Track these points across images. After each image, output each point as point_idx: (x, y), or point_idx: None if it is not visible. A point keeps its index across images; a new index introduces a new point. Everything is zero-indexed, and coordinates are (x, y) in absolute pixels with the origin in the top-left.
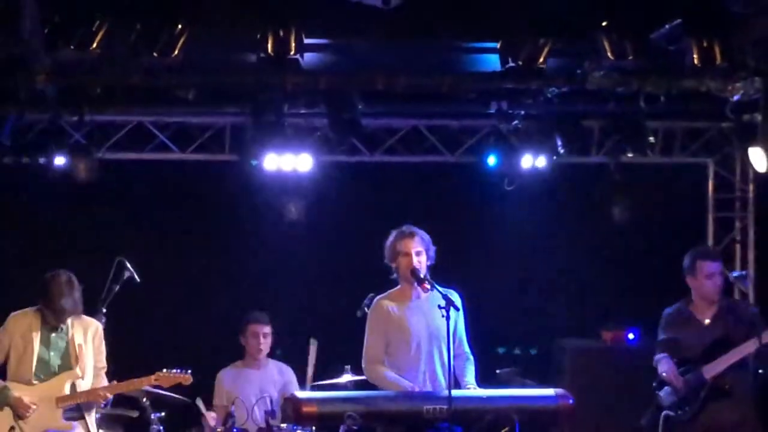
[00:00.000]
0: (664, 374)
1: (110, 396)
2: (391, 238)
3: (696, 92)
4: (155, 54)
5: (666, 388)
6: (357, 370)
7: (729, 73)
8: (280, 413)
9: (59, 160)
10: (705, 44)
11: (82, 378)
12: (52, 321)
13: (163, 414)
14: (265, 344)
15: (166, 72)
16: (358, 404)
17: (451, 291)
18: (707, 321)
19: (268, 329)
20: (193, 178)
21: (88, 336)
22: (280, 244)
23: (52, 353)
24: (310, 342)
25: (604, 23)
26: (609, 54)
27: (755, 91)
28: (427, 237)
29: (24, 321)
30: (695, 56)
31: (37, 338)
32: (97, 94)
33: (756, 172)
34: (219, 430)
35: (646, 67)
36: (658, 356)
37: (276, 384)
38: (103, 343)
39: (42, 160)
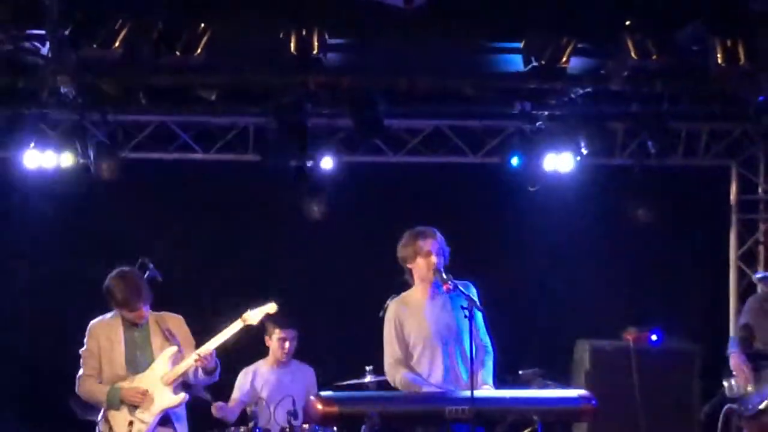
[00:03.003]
0: (734, 369)
1: (212, 355)
2: (406, 238)
3: (720, 93)
4: (178, 53)
5: (733, 379)
6: (379, 370)
7: (753, 74)
8: (302, 413)
9: (82, 160)
10: (729, 44)
11: (180, 352)
12: (131, 319)
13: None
14: (290, 348)
15: (189, 72)
16: (380, 404)
17: (467, 283)
18: None
19: (293, 333)
20: (216, 179)
21: (173, 327)
22: (303, 245)
23: (138, 353)
24: None
25: (627, 23)
26: (633, 54)
27: None
28: (441, 236)
29: (106, 325)
30: (719, 56)
31: (121, 339)
32: (120, 93)
33: None
34: (242, 429)
35: (669, 68)
36: (731, 348)
37: (298, 384)
38: (190, 336)
39: (65, 161)
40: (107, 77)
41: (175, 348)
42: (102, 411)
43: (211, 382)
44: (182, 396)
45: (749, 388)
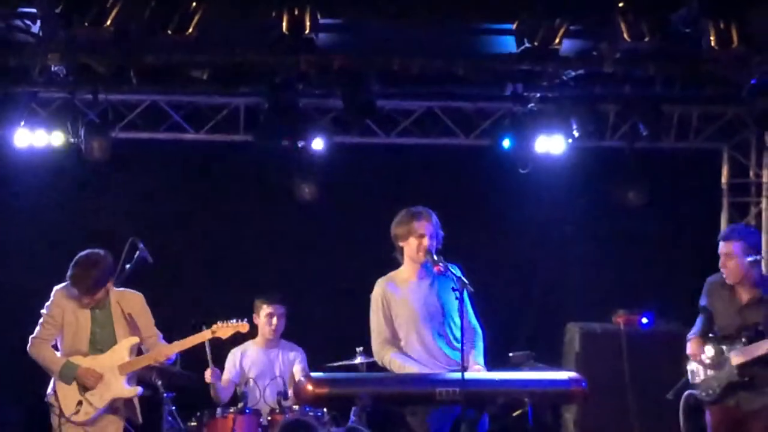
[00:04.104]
0: (692, 356)
1: (172, 354)
2: (402, 217)
3: (712, 76)
4: (169, 32)
5: (694, 364)
6: (369, 352)
7: (746, 57)
8: (292, 394)
9: (73, 139)
10: (722, 27)
11: (140, 343)
12: (88, 301)
13: (174, 394)
14: (278, 325)
15: (181, 51)
16: (370, 386)
17: (454, 265)
18: (744, 300)
19: (281, 310)
20: (207, 158)
21: (133, 307)
22: (294, 225)
23: (99, 332)
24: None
25: (620, 4)
26: (625, 36)
27: None
28: (437, 219)
29: (73, 297)
30: (712, 39)
31: (88, 317)
32: (111, 72)
33: None
34: (232, 410)
35: (662, 50)
36: (689, 335)
37: (288, 365)
38: (148, 312)
39: (56, 139)
40: (98, 56)
41: (137, 339)
42: (52, 381)
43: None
44: (136, 389)
45: (710, 373)
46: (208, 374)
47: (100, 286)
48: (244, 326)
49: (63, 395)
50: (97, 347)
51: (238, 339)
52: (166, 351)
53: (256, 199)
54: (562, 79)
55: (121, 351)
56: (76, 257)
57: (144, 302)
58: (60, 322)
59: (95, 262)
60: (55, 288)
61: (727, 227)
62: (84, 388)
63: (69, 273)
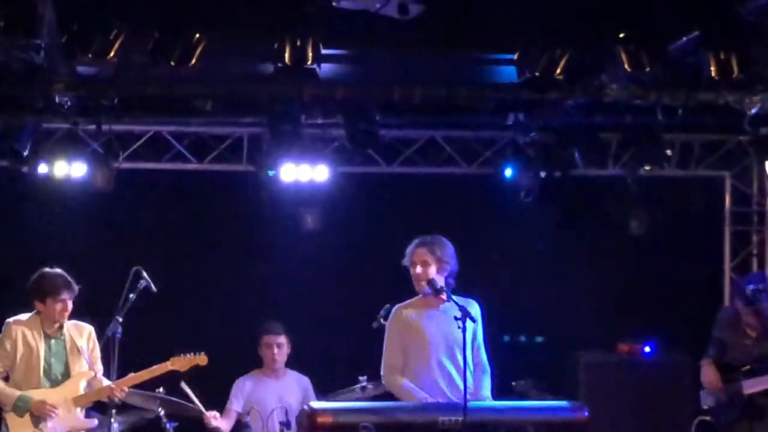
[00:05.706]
0: (706, 383)
1: (126, 390)
2: (408, 247)
3: (713, 105)
4: (172, 63)
5: (707, 391)
6: (372, 380)
7: (747, 86)
8: (296, 424)
9: (77, 170)
10: (722, 56)
11: (95, 377)
12: (50, 327)
13: (177, 424)
14: (280, 354)
15: (184, 82)
16: (374, 415)
17: (471, 301)
18: (755, 333)
19: (282, 339)
20: (210, 189)
21: (84, 339)
22: (297, 255)
23: (53, 360)
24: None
25: (621, 35)
26: (626, 66)
27: None
28: (443, 247)
29: (25, 326)
30: (713, 69)
31: (41, 345)
32: (115, 103)
33: None
34: None
35: (663, 80)
36: (703, 360)
37: (293, 394)
38: (97, 346)
39: (59, 170)
40: (102, 87)
41: (92, 374)
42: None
43: None
44: (92, 421)
45: (722, 400)
46: (208, 420)
47: (75, 293)
48: (202, 359)
49: (14, 429)
50: (51, 378)
51: (242, 369)
52: (126, 383)
53: (258, 228)
54: (564, 109)
55: (76, 384)
56: (39, 275)
57: (95, 335)
58: (13, 355)
59: (60, 272)
60: (7, 321)
61: (754, 278)
62: (37, 420)
63: (51, 281)
